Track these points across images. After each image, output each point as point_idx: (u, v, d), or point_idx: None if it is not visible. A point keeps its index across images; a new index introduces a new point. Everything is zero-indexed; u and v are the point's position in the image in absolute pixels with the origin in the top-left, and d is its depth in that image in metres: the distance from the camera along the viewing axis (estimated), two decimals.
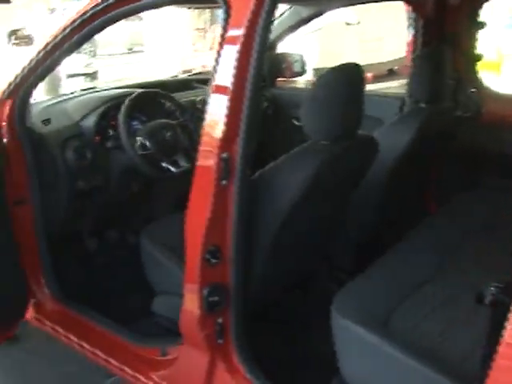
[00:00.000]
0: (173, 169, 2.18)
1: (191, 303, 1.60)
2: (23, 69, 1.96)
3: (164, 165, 2.19)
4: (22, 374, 2.47)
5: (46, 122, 2.20)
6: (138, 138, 2.13)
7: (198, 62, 7.98)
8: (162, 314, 1.99)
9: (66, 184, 2.16)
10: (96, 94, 2.48)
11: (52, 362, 2.47)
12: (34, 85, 2.02)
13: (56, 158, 2.13)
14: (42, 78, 2.01)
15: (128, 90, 2.46)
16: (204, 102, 2.60)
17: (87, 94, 2.53)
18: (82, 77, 8.47)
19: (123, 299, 2.36)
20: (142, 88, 2.48)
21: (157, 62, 8.89)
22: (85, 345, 2.11)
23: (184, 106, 2.41)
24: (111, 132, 2.25)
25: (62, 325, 2.19)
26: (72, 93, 2.69)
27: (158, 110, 2.34)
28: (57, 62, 1.96)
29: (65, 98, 2.49)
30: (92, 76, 8.68)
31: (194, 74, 3.28)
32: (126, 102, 2.19)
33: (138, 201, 2.50)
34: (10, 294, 2.05)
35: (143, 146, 2.13)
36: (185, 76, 3.30)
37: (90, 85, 7.31)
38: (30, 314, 2.28)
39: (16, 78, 1.98)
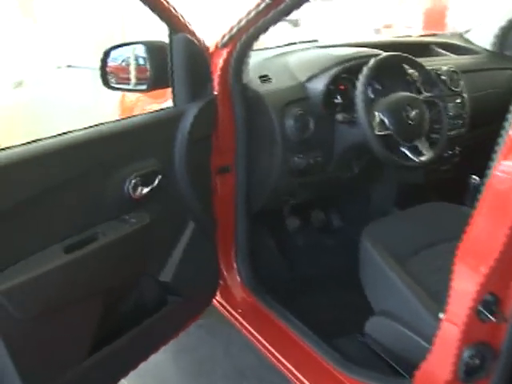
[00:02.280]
0: (413, 157, 1.71)
1: (439, 361, 1.17)
2: (240, 20, 1.62)
3: (403, 150, 1.72)
4: (194, 353, 2.25)
5: (265, 79, 1.83)
6: (377, 114, 1.68)
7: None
8: (377, 339, 1.58)
9: (280, 157, 1.80)
10: (323, 50, 2.07)
11: (227, 349, 2.23)
12: (255, 36, 1.66)
13: (273, 124, 1.76)
14: (264, 30, 1.64)
15: (361, 49, 2.01)
16: (452, 74, 2.08)
17: (311, 48, 2.13)
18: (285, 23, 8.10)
19: (322, 297, 2.00)
20: (370, 47, 2.03)
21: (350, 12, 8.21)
22: (271, 349, 1.77)
23: (434, 78, 1.90)
24: (339, 99, 1.83)
25: (249, 320, 1.88)
26: (290, 44, 2.31)
27: (397, 79, 1.87)
28: (282, 14, 1.57)
29: (283, 50, 2.10)
30: (294, 23, 8.28)
31: (431, 36, 2.72)
32: (370, 65, 1.74)
33: (354, 183, 2.09)
34: (202, 275, 1.75)
35: (382, 123, 1.67)
36: (419, 37, 2.75)
37: (294, 33, 6.99)
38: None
39: (232, 28, 1.63)
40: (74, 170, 1.28)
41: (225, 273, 1.94)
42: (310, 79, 1.84)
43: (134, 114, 2.39)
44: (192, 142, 1.56)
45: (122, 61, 1.95)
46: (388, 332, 1.54)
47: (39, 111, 7.48)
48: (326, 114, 1.82)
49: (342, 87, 1.86)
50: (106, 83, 1.66)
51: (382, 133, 1.66)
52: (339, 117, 1.77)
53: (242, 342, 2.03)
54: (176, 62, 1.53)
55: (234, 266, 1.94)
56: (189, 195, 1.60)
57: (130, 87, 1.72)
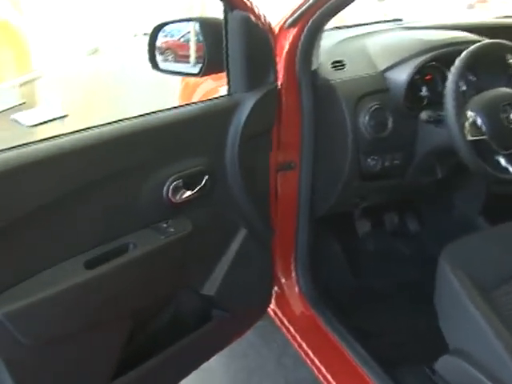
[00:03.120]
0: (511, 168, 1.42)
1: None
2: None
3: (498, 159, 1.43)
4: (245, 361, 2.08)
5: (338, 65, 1.58)
6: (470, 114, 1.40)
7: None
8: (448, 381, 1.34)
9: (350, 158, 1.56)
10: (409, 33, 1.79)
11: (280, 360, 2.05)
12: (330, 14, 1.42)
13: (344, 119, 1.52)
14: (341, 6, 1.40)
15: (454, 34, 1.72)
16: None
17: (395, 30, 1.85)
18: None
19: (388, 315, 1.77)
20: (465, 30, 1.74)
21: None
22: (324, 371, 1.57)
23: None
24: (424, 91, 1.56)
25: (304, 335, 1.67)
26: (370, 23, 2.04)
27: (496, 72, 1.57)
28: None
29: (362, 31, 1.84)
30: None
31: None
32: (464, 55, 1.45)
33: (436, 189, 1.82)
34: (253, 288, 1.55)
35: (474, 126, 1.39)
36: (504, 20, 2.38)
37: (379, 8, 6.59)
38: None
39: (302, 4, 1.40)
40: (99, 170, 1.09)
41: (282, 280, 1.73)
42: (391, 68, 1.57)
43: (194, 95, 2.21)
44: (247, 138, 1.34)
45: (181, 37, 1.76)
46: (462, 375, 1.30)
47: (116, 78, 7.48)
48: (408, 110, 1.55)
49: (429, 77, 1.59)
50: (155, 64, 1.46)
51: (475, 138, 1.38)
52: (423, 115, 1.49)
53: (296, 354, 1.83)
54: (232, 43, 1.31)
55: (293, 274, 1.73)
56: (241, 199, 1.39)
57: (183, 70, 1.52)
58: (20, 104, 5.52)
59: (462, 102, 1.42)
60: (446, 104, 1.42)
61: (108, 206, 1.12)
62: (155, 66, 1.47)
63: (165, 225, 1.23)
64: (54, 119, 4.97)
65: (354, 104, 1.52)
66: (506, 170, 1.42)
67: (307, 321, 1.70)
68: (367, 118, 1.51)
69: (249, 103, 1.33)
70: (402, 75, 1.55)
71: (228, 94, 1.37)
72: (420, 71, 1.56)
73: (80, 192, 1.05)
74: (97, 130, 1.09)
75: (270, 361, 2.05)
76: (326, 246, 1.93)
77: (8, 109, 5.25)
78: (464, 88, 1.52)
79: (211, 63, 1.38)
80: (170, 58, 1.50)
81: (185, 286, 1.36)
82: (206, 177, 1.28)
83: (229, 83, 1.36)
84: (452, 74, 1.42)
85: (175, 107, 1.28)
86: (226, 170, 1.34)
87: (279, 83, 1.47)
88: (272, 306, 1.78)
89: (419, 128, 1.57)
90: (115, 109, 5.32)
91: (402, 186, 1.70)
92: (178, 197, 1.23)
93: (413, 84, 1.55)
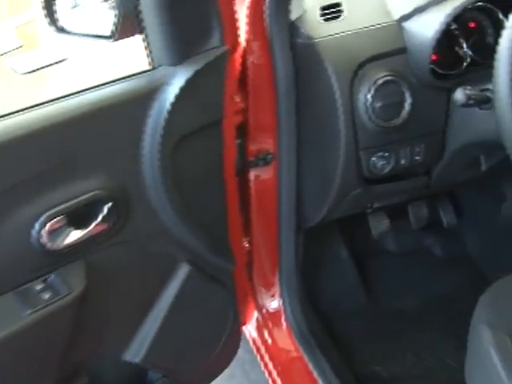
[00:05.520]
0: None
1: None
2: None
3: None
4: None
5: (332, 11, 1.05)
6: None
7: None
8: None
9: (346, 155, 1.07)
10: None
11: None
12: None
13: (334, 98, 1.02)
14: None
15: None
16: None
17: None
18: None
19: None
20: None
21: None
22: None
23: None
24: (465, 49, 1.04)
25: (285, 378, 1.24)
26: None
27: None
28: None
29: None
30: None
31: None
32: None
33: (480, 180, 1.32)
34: (208, 331, 1.11)
35: None
36: None
37: None
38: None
39: None
40: None
41: (265, 304, 1.30)
42: (413, 14, 1.04)
43: None
44: (178, 136, 0.87)
45: None
46: None
47: None
48: (438, 80, 1.03)
49: (473, 25, 1.06)
50: (55, 24, 0.97)
51: None
52: (459, 94, 0.94)
53: None
54: None
55: (277, 299, 1.28)
56: (175, 225, 0.93)
57: (91, 31, 1.02)
58: (17, 48, 5.06)
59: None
60: (496, 70, 0.88)
61: None
62: (54, 24, 0.97)
63: (39, 286, 0.79)
64: (51, 64, 4.50)
65: (350, 75, 1.00)
66: None
67: (291, 362, 1.27)
68: (371, 96, 1.00)
69: (178, 82, 0.84)
70: (430, 24, 1.01)
71: (147, 70, 0.88)
72: (460, 16, 1.02)
73: None
74: None
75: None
76: (327, 255, 1.47)
77: (2, 54, 4.80)
78: None
79: (127, 20, 0.88)
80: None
81: (95, 356, 0.93)
82: (109, 205, 0.82)
83: (149, 52, 0.87)
84: (509, 25, 0.87)
85: (53, 100, 0.80)
86: (145, 188, 0.87)
87: (243, 42, 0.98)
88: (252, 331, 1.36)
89: (453, 109, 1.06)
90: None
91: (430, 185, 1.19)
92: (60, 241, 0.78)
93: (448, 38, 1.03)
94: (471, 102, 0.90)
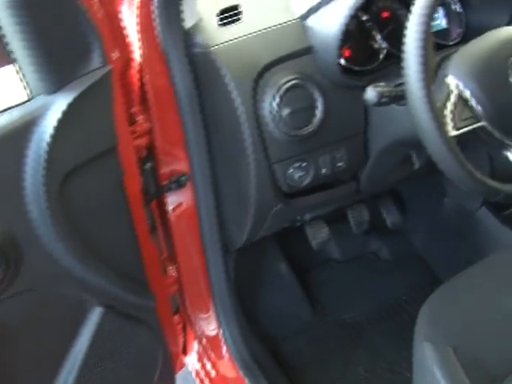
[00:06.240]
0: None
1: None
2: None
3: (508, 155, 0.85)
4: None
5: (230, 14, 0.98)
6: (452, 82, 0.80)
7: None
8: None
9: (257, 170, 0.99)
10: None
11: None
12: None
13: (234, 107, 0.94)
14: None
15: None
16: None
17: None
18: None
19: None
20: None
21: None
22: None
23: None
24: (379, 40, 0.98)
25: None
26: None
27: None
28: None
29: None
30: None
31: None
32: None
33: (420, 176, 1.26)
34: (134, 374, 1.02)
35: (462, 105, 0.80)
36: None
37: None
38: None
39: None
40: None
41: (204, 331, 1.22)
42: (315, 10, 0.97)
43: None
44: (63, 170, 0.78)
45: None
46: None
47: None
48: (351, 78, 0.97)
49: (386, 15, 1.00)
50: None
51: (463, 130, 0.79)
52: (370, 92, 0.84)
53: None
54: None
55: (214, 324, 1.20)
56: (77, 266, 0.84)
57: None
58: None
59: (434, 59, 0.83)
60: (405, 62, 0.81)
61: None
62: None
63: None
64: None
65: (251, 81, 0.93)
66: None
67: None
68: (277, 103, 0.93)
69: (56, 111, 0.76)
70: (334, 19, 0.94)
71: (23, 102, 0.79)
72: (370, 7, 0.96)
73: None
74: None
75: None
76: (266, 272, 1.39)
77: None
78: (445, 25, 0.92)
79: None
80: None
81: None
82: None
83: (25, 83, 0.79)
84: (418, 4, 0.80)
85: None
86: (35, 231, 0.78)
87: (138, 58, 0.90)
88: (194, 363, 1.27)
89: (371, 108, 0.99)
90: None
91: (359, 190, 1.13)
92: None
93: (359, 31, 0.97)
94: (385, 100, 0.83)
